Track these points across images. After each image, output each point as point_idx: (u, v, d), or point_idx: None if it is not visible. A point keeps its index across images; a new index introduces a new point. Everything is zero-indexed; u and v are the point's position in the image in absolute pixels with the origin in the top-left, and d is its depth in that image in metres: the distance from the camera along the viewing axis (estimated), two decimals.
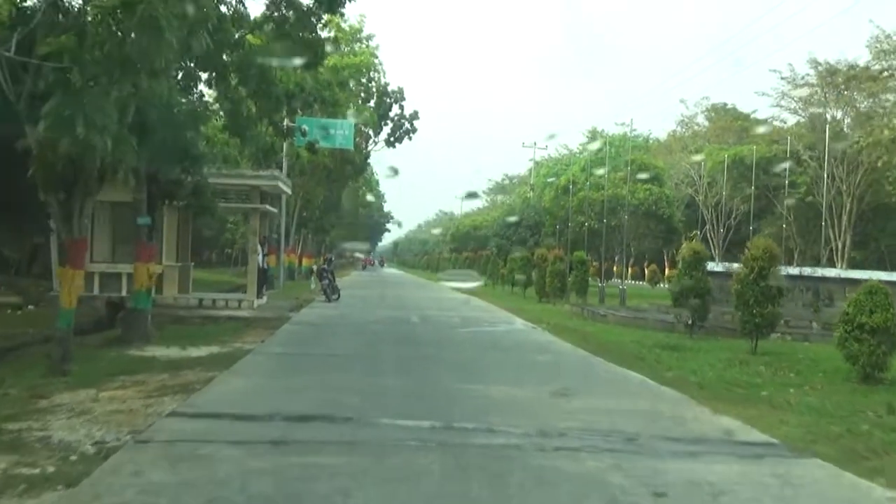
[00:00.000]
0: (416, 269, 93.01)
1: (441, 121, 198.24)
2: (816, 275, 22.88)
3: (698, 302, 18.08)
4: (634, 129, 63.26)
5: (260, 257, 22.61)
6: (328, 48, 17.19)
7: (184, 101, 14.98)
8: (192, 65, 13.77)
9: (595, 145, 56.33)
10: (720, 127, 57.69)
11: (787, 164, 39.99)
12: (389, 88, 48.52)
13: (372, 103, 45.84)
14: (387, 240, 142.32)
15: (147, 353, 12.56)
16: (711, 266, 21.89)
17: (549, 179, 55.23)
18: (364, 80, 40.62)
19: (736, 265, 19.90)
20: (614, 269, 45.92)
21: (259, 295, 23.09)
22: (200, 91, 19.89)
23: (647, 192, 39.24)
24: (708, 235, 55.68)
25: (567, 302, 29.90)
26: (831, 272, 25.43)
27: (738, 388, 10.81)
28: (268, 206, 22.66)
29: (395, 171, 67.78)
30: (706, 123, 61.36)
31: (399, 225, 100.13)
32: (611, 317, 22.42)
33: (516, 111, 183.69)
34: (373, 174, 74.02)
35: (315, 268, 25.67)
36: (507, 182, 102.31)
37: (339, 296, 25.53)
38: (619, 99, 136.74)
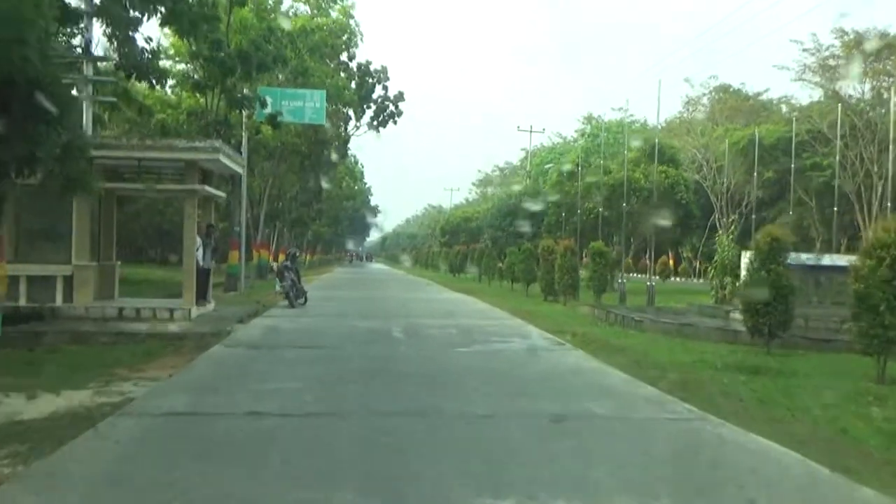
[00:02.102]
0: (404, 264, 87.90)
1: (427, 113, 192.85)
2: None
3: (780, 306, 13.17)
4: (632, 115, 58.42)
5: (200, 253, 17.45)
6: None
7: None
8: None
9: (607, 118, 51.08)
10: (730, 108, 52.86)
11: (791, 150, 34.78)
12: (372, 67, 43.54)
13: (348, 78, 40.70)
14: (374, 235, 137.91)
15: None
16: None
17: (547, 166, 50.38)
18: (339, 45, 35.31)
19: (849, 258, 15.00)
20: (627, 261, 40.68)
21: (202, 300, 17.93)
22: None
23: (662, 174, 34.20)
24: (717, 224, 50.98)
25: (583, 302, 24.96)
26: None
27: None
28: (209, 188, 17.47)
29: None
30: (710, 105, 56.59)
31: (375, 214, 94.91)
32: (648, 323, 17.40)
33: (505, 101, 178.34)
34: (356, 163, 68.93)
35: (275, 265, 20.34)
36: (496, 173, 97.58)
37: (305, 300, 20.41)
38: (614, 84, 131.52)
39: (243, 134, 25.50)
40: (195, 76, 22.64)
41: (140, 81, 18.96)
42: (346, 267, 73.07)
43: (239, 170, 18.72)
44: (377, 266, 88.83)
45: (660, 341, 14.93)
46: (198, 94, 23.66)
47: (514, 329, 16.32)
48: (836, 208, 31.41)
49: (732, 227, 23.32)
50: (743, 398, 9.16)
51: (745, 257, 18.20)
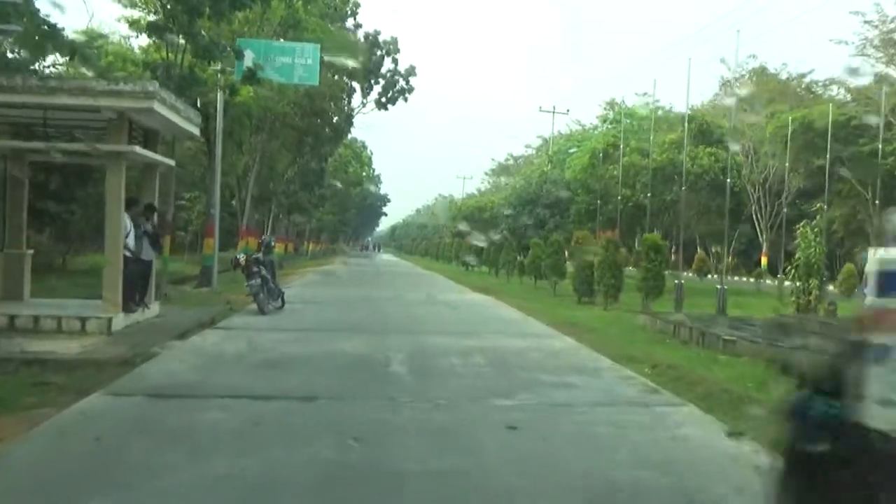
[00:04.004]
0: (415, 255, 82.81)
1: (438, 99, 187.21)
2: None
3: None
4: (657, 100, 52.90)
5: (131, 241, 12.51)
6: None
7: None
8: None
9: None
10: (772, 90, 47.54)
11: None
12: (381, 38, 38.52)
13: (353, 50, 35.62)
14: (384, 224, 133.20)
15: None
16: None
17: (571, 150, 45.34)
18: (343, 8, 30.24)
19: None
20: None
21: (138, 304, 13.03)
22: None
23: (711, 157, 29.12)
24: (754, 217, 45.86)
25: (627, 307, 20.07)
26: None
27: None
28: (142, 150, 12.49)
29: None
30: (744, 89, 51.15)
31: (385, 202, 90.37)
32: (745, 345, 12.43)
33: (520, 86, 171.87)
34: (364, 148, 64.02)
35: (241, 257, 15.26)
36: (511, 162, 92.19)
37: (282, 302, 15.48)
38: (637, 67, 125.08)
39: (218, 95, 20.48)
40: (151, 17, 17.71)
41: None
42: (351, 257, 67.80)
43: (191, 129, 13.70)
44: (385, 257, 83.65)
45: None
46: (160, 43, 18.75)
47: (567, 356, 11.25)
48: None
49: (818, 218, 18.11)
50: None
51: (877, 254, 13.22)
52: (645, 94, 50.40)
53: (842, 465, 2.82)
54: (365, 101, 38.90)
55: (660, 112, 54.07)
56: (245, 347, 10.56)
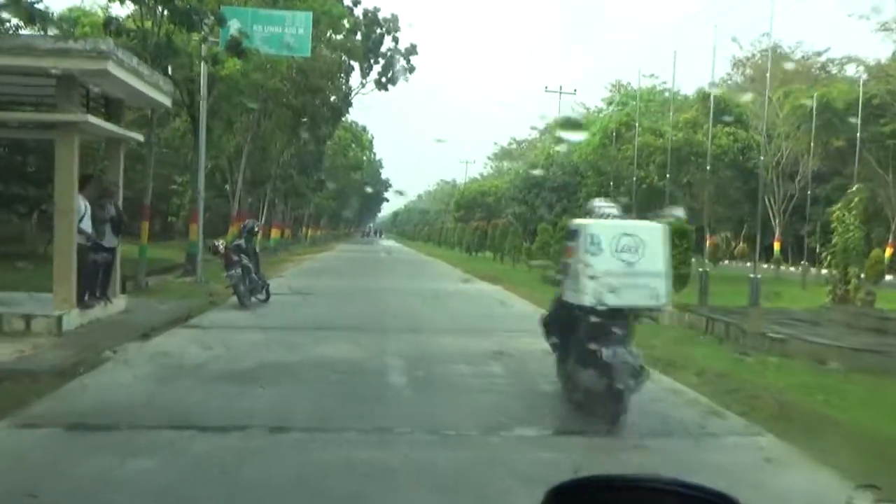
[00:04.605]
0: (417, 241, 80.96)
1: (439, 83, 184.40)
2: None
3: None
4: (664, 82, 50.75)
5: (88, 225, 10.75)
6: None
7: None
8: None
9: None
10: (788, 69, 45.45)
11: None
12: (381, 15, 36.58)
13: (353, 27, 33.68)
14: (386, 210, 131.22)
15: None
16: None
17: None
18: None
19: None
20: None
21: (100, 298, 11.30)
22: None
23: (730, 137, 27.21)
24: (767, 202, 43.88)
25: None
26: None
27: None
28: (97, 120, 10.68)
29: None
30: (753, 69, 49.02)
31: (387, 188, 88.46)
32: (798, 344, 10.67)
33: (523, 72, 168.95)
34: (364, 131, 62.09)
35: (220, 244, 13.38)
36: (514, 146, 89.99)
37: (266, 295, 13.68)
38: (644, 48, 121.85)
39: (202, 67, 18.63)
40: None
41: None
42: (351, 244, 65.89)
43: (160, 98, 11.87)
44: (387, 243, 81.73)
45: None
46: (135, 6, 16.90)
47: None
48: None
49: (857, 199, 16.29)
50: None
51: None
52: (652, 75, 48.43)
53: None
54: (364, 81, 37.06)
55: (666, 94, 52.09)
56: (214, 352, 8.78)
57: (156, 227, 40.58)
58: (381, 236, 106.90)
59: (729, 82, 48.64)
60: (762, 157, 19.33)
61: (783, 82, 45.29)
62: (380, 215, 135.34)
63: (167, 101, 12.29)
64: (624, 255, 6.06)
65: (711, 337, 12.87)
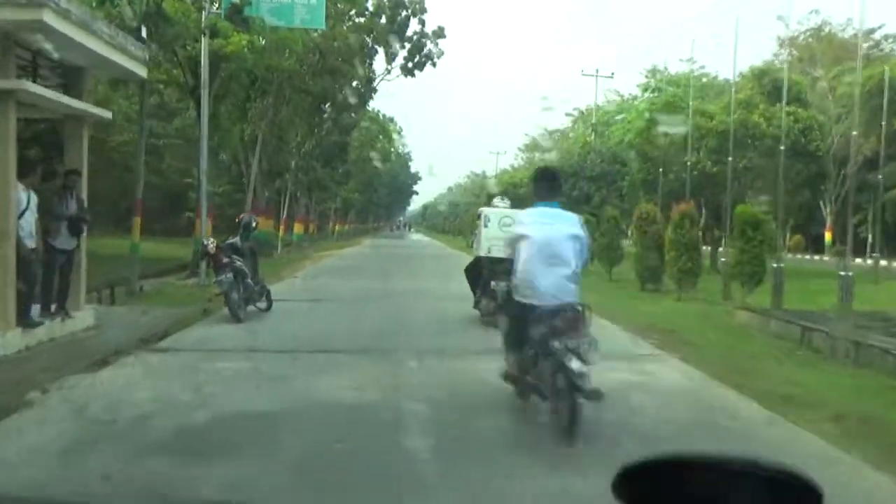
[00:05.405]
0: (447, 234, 78.40)
1: (469, 75, 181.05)
2: None
3: None
4: (702, 66, 47.52)
5: (27, 221, 8.45)
6: None
7: None
8: None
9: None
10: (837, 47, 42.23)
11: None
12: None
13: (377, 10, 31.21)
14: (416, 203, 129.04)
15: None
16: None
17: (619, 116, 40.58)
18: None
19: None
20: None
21: (55, 312, 9.02)
22: None
23: (790, 117, 24.34)
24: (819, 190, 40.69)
25: (704, 296, 16.00)
26: None
27: None
28: (40, 88, 8.36)
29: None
30: (798, 49, 45.74)
31: (416, 181, 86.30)
32: None
33: (554, 61, 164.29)
34: (392, 122, 59.76)
35: (209, 244, 10.84)
36: (545, 137, 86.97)
37: (268, 304, 11.31)
38: (678, 32, 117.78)
39: (203, 42, 16.30)
40: None
41: None
42: (380, 238, 63.49)
43: (128, 64, 9.50)
44: (416, 237, 79.18)
45: None
46: None
47: (691, 402, 6.86)
48: None
49: None
50: None
51: None
52: (690, 59, 45.32)
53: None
54: (390, 67, 34.68)
55: (704, 80, 48.87)
56: (170, 392, 6.41)
57: (178, 224, 38.68)
58: (410, 230, 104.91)
59: (777, 62, 45.42)
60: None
61: (834, 61, 42.11)
62: (409, 209, 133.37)
63: (139, 70, 9.92)
64: (504, 228, 9.57)
65: (809, 351, 10.29)
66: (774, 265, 15.27)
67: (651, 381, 7.48)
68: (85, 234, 9.76)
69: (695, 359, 8.65)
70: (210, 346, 8.77)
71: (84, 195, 9.74)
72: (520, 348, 5.86)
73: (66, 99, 8.93)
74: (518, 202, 48.58)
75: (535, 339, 5.53)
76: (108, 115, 10.42)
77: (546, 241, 5.67)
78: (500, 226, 10.13)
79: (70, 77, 9.54)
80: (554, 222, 5.82)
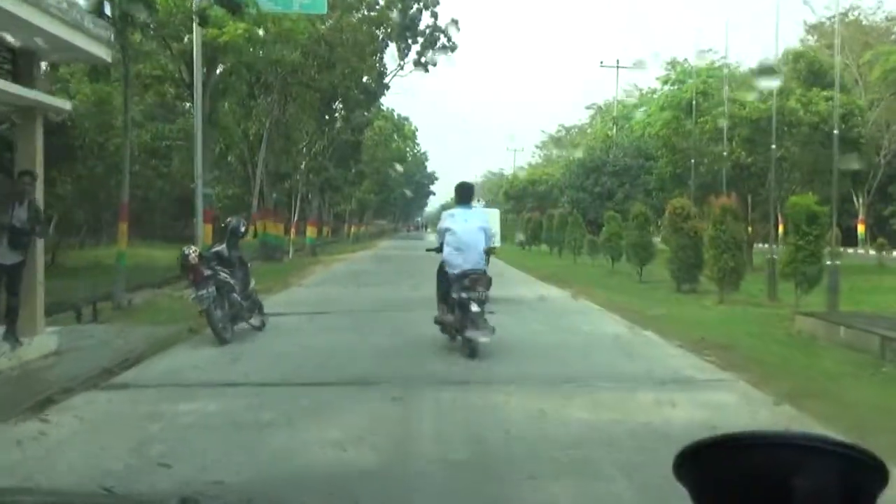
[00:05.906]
0: None
1: (485, 72, 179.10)
2: None
3: None
4: (723, 57, 45.41)
5: None
6: None
7: None
8: None
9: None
10: (866, 33, 40.18)
11: None
12: None
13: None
14: (433, 204, 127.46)
15: None
16: None
17: (641, 109, 38.80)
18: None
19: None
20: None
21: (3, 338, 7.54)
22: None
23: (829, 102, 22.53)
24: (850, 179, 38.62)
25: (749, 297, 14.41)
26: None
27: None
28: None
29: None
30: (823, 37, 43.70)
31: (432, 181, 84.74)
32: None
33: (570, 53, 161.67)
34: (406, 121, 58.28)
35: (190, 253, 9.29)
36: (562, 133, 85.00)
37: (262, 322, 9.80)
38: (702, 22, 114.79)
39: (195, 30, 14.81)
40: None
41: None
42: (396, 240, 61.94)
43: (89, 47, 8.00)
44: (433, 238, 77.66)
45: None
46: None
47: None
48: None
49: None
50: None
51: None
52: (710, 49, 43.33)
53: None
54: (402, 63, 33.21)
55: (725, 71, 46.74)
56: (100, 460, 4.84)
57: (188, 229, 37.21)
58: (427, 230, 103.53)
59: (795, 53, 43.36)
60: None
61: (865, 47, 40.08)
62: (426, 210, 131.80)
63: (101, 53, 8.40)
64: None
65: (893, 366, 8.59)
66: (828, 263, 13.57)
67: (722, 420, 5.81)
68: (40, 246, 8.27)
69: (769, 384, 7.00)
70: (180, 378, 7.22)
71: (41, 201, 8.26)
72: (445, 301, 8.59)
73: (13, 87, 7.42)
74: (537, 199, 46.42)
75: (454, 296, 8.22)
76: (66, 105, 8.94)
77: (462, 231, 8.59)
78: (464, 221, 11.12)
79: (20, 62, 8.06)
80: (468, 219, 8.77)
